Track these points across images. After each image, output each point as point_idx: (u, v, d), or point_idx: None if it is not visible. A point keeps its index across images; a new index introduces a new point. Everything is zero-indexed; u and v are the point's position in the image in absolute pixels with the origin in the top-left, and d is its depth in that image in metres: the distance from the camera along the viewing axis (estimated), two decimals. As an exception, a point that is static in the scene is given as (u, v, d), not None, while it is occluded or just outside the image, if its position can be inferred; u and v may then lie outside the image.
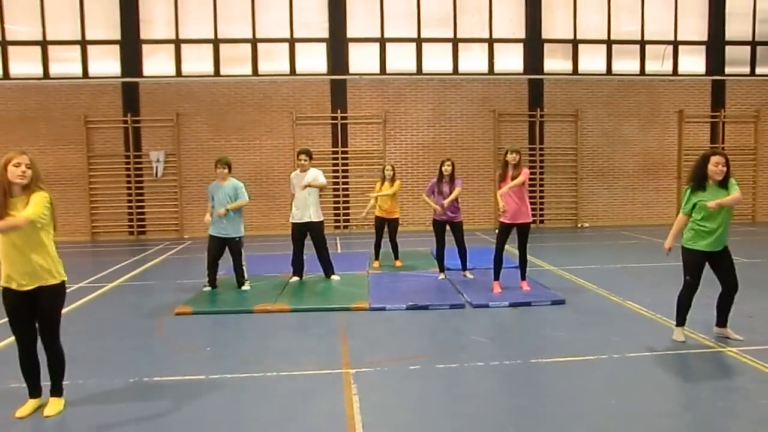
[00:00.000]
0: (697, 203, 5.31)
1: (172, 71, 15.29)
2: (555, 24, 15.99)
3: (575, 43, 16.05)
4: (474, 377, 4.81)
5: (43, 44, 15.03)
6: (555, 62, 16.09)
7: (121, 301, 7.84)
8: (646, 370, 4.90)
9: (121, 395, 4.53)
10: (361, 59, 15.56)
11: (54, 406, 4.21)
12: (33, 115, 14.98)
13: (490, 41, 15.83)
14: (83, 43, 15.10)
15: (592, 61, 16.14)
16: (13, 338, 4.24)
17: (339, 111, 15.44)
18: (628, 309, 6.85)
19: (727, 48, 16.38)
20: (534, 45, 15.82)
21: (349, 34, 15.47)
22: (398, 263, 9.73)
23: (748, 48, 16.51)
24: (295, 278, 8.52)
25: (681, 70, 16.37)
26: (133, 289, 8.76)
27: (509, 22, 15.85)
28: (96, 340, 6.02)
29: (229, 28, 15.33)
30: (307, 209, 8.26)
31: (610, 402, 4.23)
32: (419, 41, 15.66)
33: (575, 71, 16.11)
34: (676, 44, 16.29)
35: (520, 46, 15.90)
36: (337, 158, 15.47)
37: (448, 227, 8.41)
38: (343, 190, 15.55)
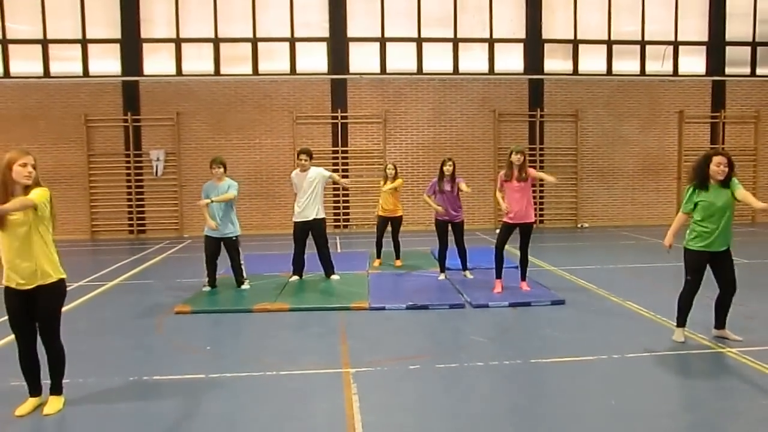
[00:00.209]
0: (699, 203, 5.31)
1: (173, 70, 15.28)
2: (555, 24, 15.99)
3: (575, 43, 16.05)
4: (474, 377, 4.81)
5: (44, 43, 15.02)
6: (555, 62, 16.09)
7: (121, 300, 7.84)
8: (645, 371, 4.90)
9: (120, 394, 4.53)
10: (362, 59, 15.56)
11: (53, 404, 4.21)
12: (33, 113, 14.98)
13: (491, 41, 15.83)
14: (84, 42, 15.09)
15: (593, 61, 16.14)
16: (13, 336, 4.24)
17: (339, 110, 15.44)
18: (628, 309, 6.85)
19: (728, 48, 16.38)
20: (534, 45, 15.82)
21: (350, 33, 15.47)
22: (398, 263, 9.73)
23: (748, 48, 16.51)
24: (295, 277, 8.52)
25: (681, 70, 16.37)
26: (133, 287, 8.75)
27: (510, 22, 15.85)
28: (96, 339, 6.02)
29: (230, 27, 15.33)
30: (311, 208, 8.26)
31: (609, 402, 4.23)
32: (419, 41, 15.66)
33: (575, 71, 16.11)
34: (676, 45, 16.29)
35: (521, 46, 15.90)
36: (337, 158, 15.47)
37: (449, 227, 8.41)
38: (343, 189, 15.54)
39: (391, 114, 15.65)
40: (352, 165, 15.60)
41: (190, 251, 12.33)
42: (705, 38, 16.34)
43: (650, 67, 16.29)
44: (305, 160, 8.21)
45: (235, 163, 15.02)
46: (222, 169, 7.89)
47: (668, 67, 16.33)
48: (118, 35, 15.06)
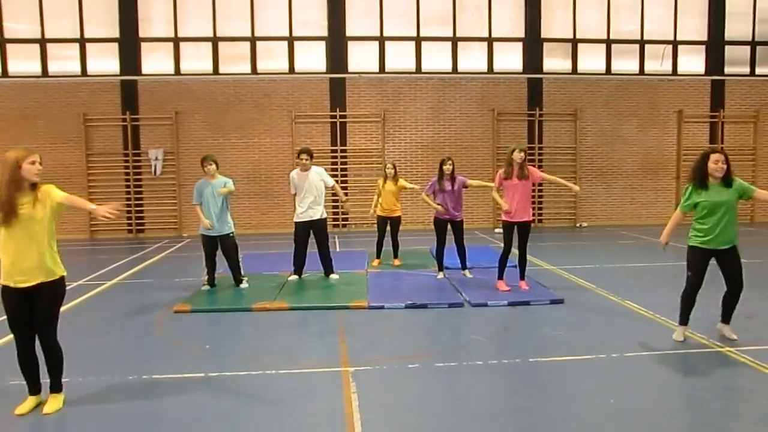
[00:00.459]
0: (699, 203, 5.31)
1: (171, 69, 15.27)
2: (554, 23, 15.99)
3: (574, 42, 16.05)
4: (473, 376, 4.81)
5: (42, 42, 15.00)
6: (554, 61, 16.09)
7: (120, 299, 7.83)
8: (644, 370, 4.91)
9: (120, 393, 4.52)
10: (360, 58, 15.55)
11: (53, 403, 4.20)
12: (32, 113, 14.96)
13: (490, 40, 15.83)
14: (82, 41, 15.07)
15: (592, 60, 16.14)
16: (10, 336, 4.23)
17: (338, 109, 15.44)
18: (627, 308, 6.86)
19: (727, 48, 16.39)
20: (533, 44, 15.82)
21: (349, 32, 15.46)
22: (397, 262, 9.73)
23: (747, 48, 16.52)
24: (294, 276, 8.52)
25: (680, 69, 16.38)
26: (132, 287, 8.75)
27: (509, 21, 15.85)
28: (95, 338, 6.01)
29: (228, 26, 15.32)
30: (315, 208, 8.26)
31: (608, 401, 4.24)
32: (418, 40, 15.66)
33: (574, 71, 16.11)
34: (675, 44, 16.30)
35: (520, 45, 15.90)
36: (336, 157, 15.46)
37: (449, 226, 8.40)
38: (342, 188, 15.50)
39: (390, 113, 15.64)
40: (350, 164, 15.60)
41: (189, 250, 12.32)
42: (704, 38, 16.35)
43: (649, 67, 16.29)
44: (306, 160, 8.20)
45: (234, 163, 15.03)
46: (214, 166, 7.88)
47: (667, 67, 16.34)
48: (116, 34, 15.04)
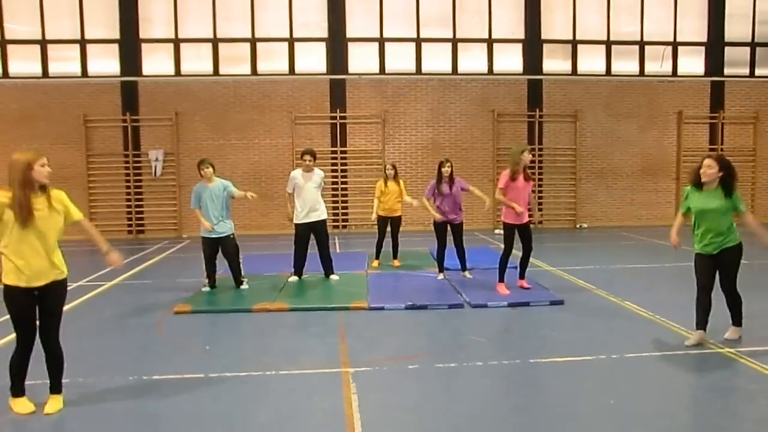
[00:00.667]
0: (691, 207, 5.41)
1: (172, 70, 15.28)
2: (554, 24, 16.00)
3: (574, 43, 16.06)
4: (473, 377, 4.82)
5: (43, 43, 15.01)
6: (554, 63, 16.09)
7: (120, 300, 7.84)
8: (644, 371, 4.91)
9: (120, 393, 4.53)
10: (361, 59, 15.56)
11: (54, 403, 4.21)
12: (32, 114, 14.97)
13: (490, 41, 15.84)
14: (82, 42, 15.08)
15: (592, 61, 16.15)
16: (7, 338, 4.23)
17: (338, 111, 15.45)
18: (627, 309, 6.86)
19: (727, 49, 16.40)
20: (533, 45, 15.83)
21: (349, 33, 15.47)
22: (397, 263, 9.73)
23: (747, 49, 16.52)
24: (294, 278, 8.53)
25: (680, 71, 16.38)
26: (132, 287, 8.75)
27: (508, 23, 15.86)
28: (95, 339, 6.02)
29: (229, 27, 15.33)
30: (318, 209, 8.29)
31: (608, 402, 4.24)
32: (418, 41, 15.67)
33: (574, 72, 16.12)
34: (675, 45, 16.30)
35: (520, 46, 15.91)
36: (336, 158, 15.47)
37: (448, 227, 8.41)
38: (342, 189, 15.55)
39: (390, 114, 15.65)
40: (351, 165, 15.61)
41: (189, 251, 12.32)
42: (704, 39, 16.36)
43: (649, 68, 16.30)
44: (310, 161, 8.22)
45: (234, 164, 15.04)
46: (211, 170, 7.87)
47: (667, 68, 16.35)
48: (116, 35, 15.05)
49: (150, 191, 15.38)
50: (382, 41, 15.58)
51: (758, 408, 4.10)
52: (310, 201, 8.24)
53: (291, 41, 15.41)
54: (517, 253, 7.70)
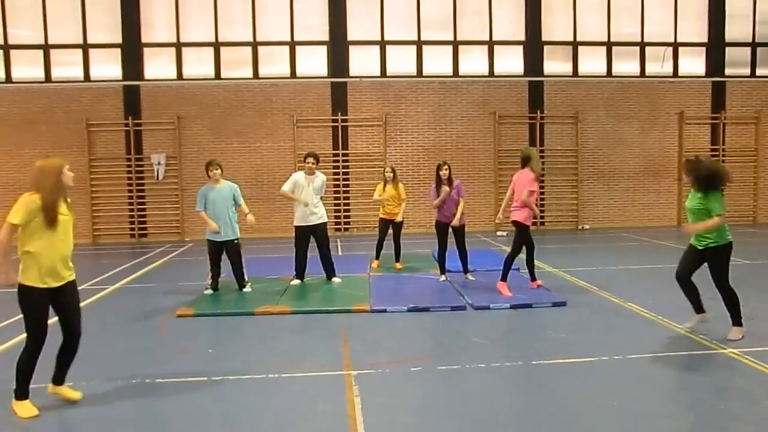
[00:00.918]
0: None
1: (173, 74, 15.32)
2: (555, 26, 16.02)
3: (575, 45, 16.07)
4: (475, 379, 4.82)
5: (45, 48, 15.07)
6: (555, 64, 16.11)
7: (123, 304, 7.86)
8: (647, 372, 4.91)
9: (123, 396, 4.54)
10: (362, 62, 15.59)
11: (74, 391, 4.43)
12: (35, 118, 15.02)
13: (490, 43, 15.86)
14: (85, 47, 15.14)
15: (592, 62, 16.16)
16: (15, 340, 4.24)
17: (339, 113, 15.47)
18: (629, 311, 6.86)
19: (728, 49, 16.40)
20: (534, 47, 15.85)
21: (350, 36, 15.50)
22: (398, 265, 9.74)
23: (748, 49, 16.53)
24: (297, 281, 8.54)
25: (681, 71, 16.39)
26: (135, 291, 8.77)
27: (509, 25, 15.88)
28: (98, 342, 6.03)
29: (230, 31, 15.38)
30: (318, 212, 8.33)
31: (611, 403, 4.24)
32: (419, 44, 15.69)
33: (575, 73, 16.13)
34: (676, 46, 16.31)
35: (520, 48, 15.93)
36: (337, 161, 15.49)
37: (450, 229, 8.42)
38: (344, 192, 15.57)
39: (391, 117, 15.67)
40: (352, 168, 15.63)
41: (192, 255, 12.35)
42: (705, 39, 16.36)
43: (650, 69, 16.31)
44: (312, 164, 8.26)
45: (236, 167, 15.06)
46: (219, 171, 7.93)
47: (668, 69, 16.35)
48: (119, 40, 15.11)
49: (152, 195, 15.41)
50: (383, 44, 15.61)
51: (761, 409, 4.10)
52: (311, 204, 8.27)
53: (292, 44, 15.45)
54: (519, 255, 7.70)
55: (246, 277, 8.16)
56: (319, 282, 8.56)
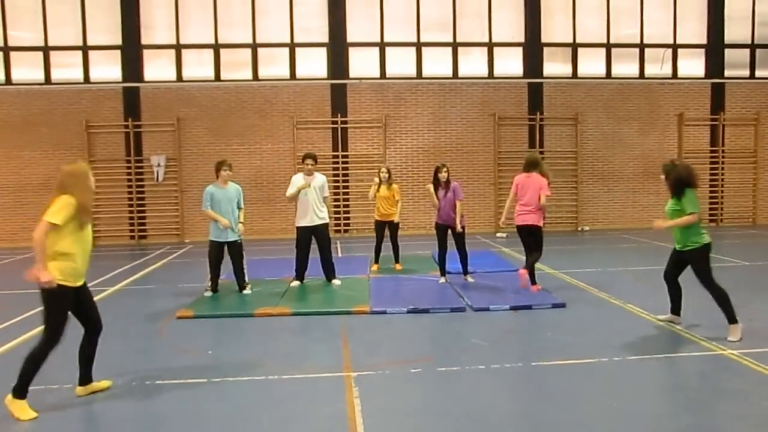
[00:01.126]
0: None
1: (173, 76, 15.34)
2: (554, 28, 16.04)
3: (574, 46, 16.09)
4: (475, 380, 4.82)
5: (45, 50, 15.09)
6: (554, 66, 16.13)
7: (123, 305, 7.85)
8: (647, 373, 4.91)
9: (122, 398, 4.54)
10: (361, 63, 15.61)
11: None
12: (35, 120, 15.04)
13: (490, 45, 15.88)
14: (84, 49, 15.16)
15: (592, 64, 16.18)
16: (31, 333, 4.24)
17: (339, 115, 15.48)
18: (629, 312, 6.86)
19: (727, 51, 16.43)
20: (533, 49, 15.87)
21: (349, 38, 15.52)
22: (398, 266, 9.74)
23: (747, 51, 16.55)
24: (297, 282, 8.54)
25: (680, 73, 16.41)
26: (135, 293, 8.77)
27: (509, 26, 15.90)
28: (98, 343, 6.02)
29: (230, 33, 15.40)
30: (319, 213, 8.33)
31: (611, 405, 4.24)
32: (419, 45, 15.71)
33: (575, 75, 16.15)
34: (675, 47, 16.33)
35: (520, 49, 15.95)
36: (337, 162, 15.50)
37: (450, 231, 8.42)
38: (344, 194, 15.58)
39: (390, 118, 15.68)
40: (352, 170, 15.64)
41: (192, 256, 12.35)
42: (704, 41, 16.39)
43: (649, 70, 16.33)
44: (311, 165, 8.28)
45: (236, 169, 14.79)
46: (230, 172, 7.99)
47: (667, 70, 16.38)
48: (118, 42, 15.13)
49: (152, 197, 15.42)
50: (382, 45, 15.63)
51: (761, 410, 4.10)
52: (311, 205, 8.27)
53: (292, 46, 15.47)
54: (519, 256, 7.70)
55: (246, 279, 8.16)
56: (318, 284, 8.56)
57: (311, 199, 8.27)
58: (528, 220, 7.68)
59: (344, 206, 15.63)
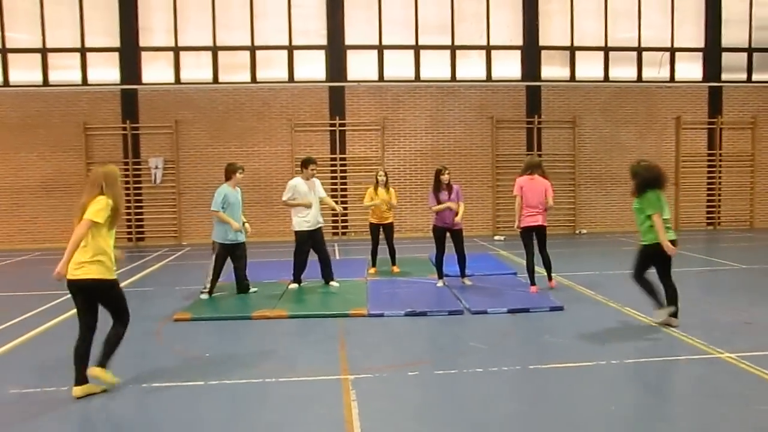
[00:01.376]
0: None
1: (171, 78, 15.33)
2: (552, 31, 16.06)
3: (572, 49, 16.12)
4: (473, 383, 4.82)
5: (43, 52, 15.07)
6: (552, 69, 16.15)
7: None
8: (644, 376, 4.92)
9: (119, 401, 4.53)
10: (360, 66, 15.62)
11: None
12: (32, 121, 15.01)
13: (488, 48, 15.90)
14: (83, 51, 15.14)
15: (590, 67, 16.21)
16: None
17: (337, 118, 15.49)
18: (626, 315, 6.87)
19: (724, 54, 16.47)
20: (531, 52, 15.89)
21: (348, 41, 15.53)
22: (396, 269, 9.74)
23: (744, 54, 16.59)
24: (294, 285, 8.54)
25: (678, 76, 16.44)
26: (132, 295, 8.66)
27: (507, 29, 15.92)
28: (94, 346, 5.98)
29: (228, 35, 15.39)
30: (319, 216, 8.47)
31: (609, 408, 4.24)
32: (417, 48, 15.73)
33: (572, 78, 16.17)
34: (672, 51, 16.37)
35: (518, 53, 15.97)
36: (335, 165, 15.50)
37: (448, 234, 8.42)
38: (342, 196, 15.56)
39: (389, 121, 15.69)
40: (350, 172, 15.63)
41: (189, 259, 12.33)
42: (701, 44, 16.42)
43: (647, 74, 16.36)
44: (314, 170, 8.42)
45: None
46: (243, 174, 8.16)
47: (665, 74, 16.41)
48: (117, 44, 15.11)
49: (150, 199, 15.40)
50: (381, 48, 15.64)
51: (758, 414, 4.10)
52: (316, 209, 8.38)
53: (290, 49, 15.47)
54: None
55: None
56: (316, 286, 8.55)
57: (315, 205, 8.41)
58: (538, 221, 8.04)
59: (342, 209, 15.59)
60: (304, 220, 8.33)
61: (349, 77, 15.56)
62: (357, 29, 15.53)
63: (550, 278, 8.33)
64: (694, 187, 16.52)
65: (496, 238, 14.87)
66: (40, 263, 12.37)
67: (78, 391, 4.51)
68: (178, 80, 15.32)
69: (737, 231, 15.68)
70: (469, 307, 7.17)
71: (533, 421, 4.11)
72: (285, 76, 15.51)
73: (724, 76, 16.49)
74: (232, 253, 7.99)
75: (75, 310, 7.49)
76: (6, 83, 15.06)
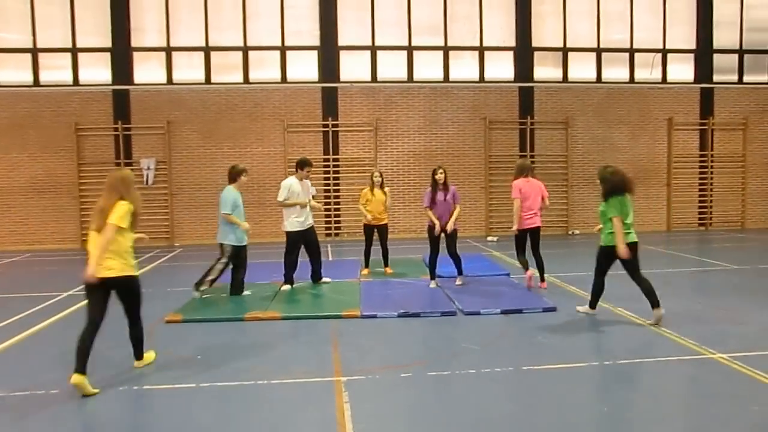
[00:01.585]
0: None
1: (163, 79, 15.26)
2: (545, 32, 16.10)
3: (565, 51, 16.16)
4: (465, 385, 4.81)
5: (34, 52, 14.97)
6: (545, 70, 16.19)
7: (111, 309, 7.72)
8: (637, 377, 4.92)
9: (111, 403, 4.49)
10: (352, 67, 15.60)
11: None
12: (23, 122, 14.90)
13: (481, 49, 15.92)
14: (74, 51, 15.05)
15: (582, 68, 16.26)
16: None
17: (330, 118, 15.46)
18: (619, 316, 6.88)
19: (715, 56, 16.56)
20: (524, 53, 15.92)
21: (340, 42, 15.51)
22: (388, 270, 9.72)
23: (735, 56, 16.69)
24: (287, 286, 8.51)
25: (670, 77, 16.52)
26: (123, 297, 8.67)
27: (499, 30, 15.95)
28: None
29: (221, 36, 15.34)
30: (310, 216, 8.57)
31: (602, 409, 4.25)
32: (410, 49, 15.73)
33: (565, 79, 16.22)
34: (664, 52, 16.45)
35: (511, 54, 16.00)
36: (328, 166, 15.47)
37: (442, 234, 8.41)
38: (335, 197, 15.54)
39: (382, 122, 15.68)
40: (343, 173, 15.61)
41: (181, 260, 12.27)
42: (693, 46, 16.51)
43: (639, 75, 16.43)
44: (309, 172, 8.50)
45: (226, 172, 14.96)
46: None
47: (657, 75, 16.48)
48: (108, 44, 15.03)
49: (142, 200, 15.26)
50: (373, 49, 15.63)
51: (751, 414, 4.11)
52: (308, 209, 8.45)
53: (283, 49, 15.44)
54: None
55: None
56: (309, 287, 8.54)
57: (307, 205, 8.50)
58: (536, 222, 8.36)
59: (335, 209, 15.60)
60: (297, 221, 8.33)
61: (342, 78, 15.54)
62: (350, 30, 15.51)
63: (542, 279, 8.37)
64: (686, 188, 16.59)
65: (489, 238, 14.89)
66: (30, 265, 12.28)
67: (78, 378, 4.53)
68: (170, 81, 15.26)
69: (729, 231, 15.77)
70: (462, 308, 7.17)
71: (526, 422, 4.10)
72: (278, 76, 15.48)
73: (716, 78, 16.57)
74: (237, 255, 7.98)
75: (66, 312, 7.46)
76: (-4, 83, 14.96)
